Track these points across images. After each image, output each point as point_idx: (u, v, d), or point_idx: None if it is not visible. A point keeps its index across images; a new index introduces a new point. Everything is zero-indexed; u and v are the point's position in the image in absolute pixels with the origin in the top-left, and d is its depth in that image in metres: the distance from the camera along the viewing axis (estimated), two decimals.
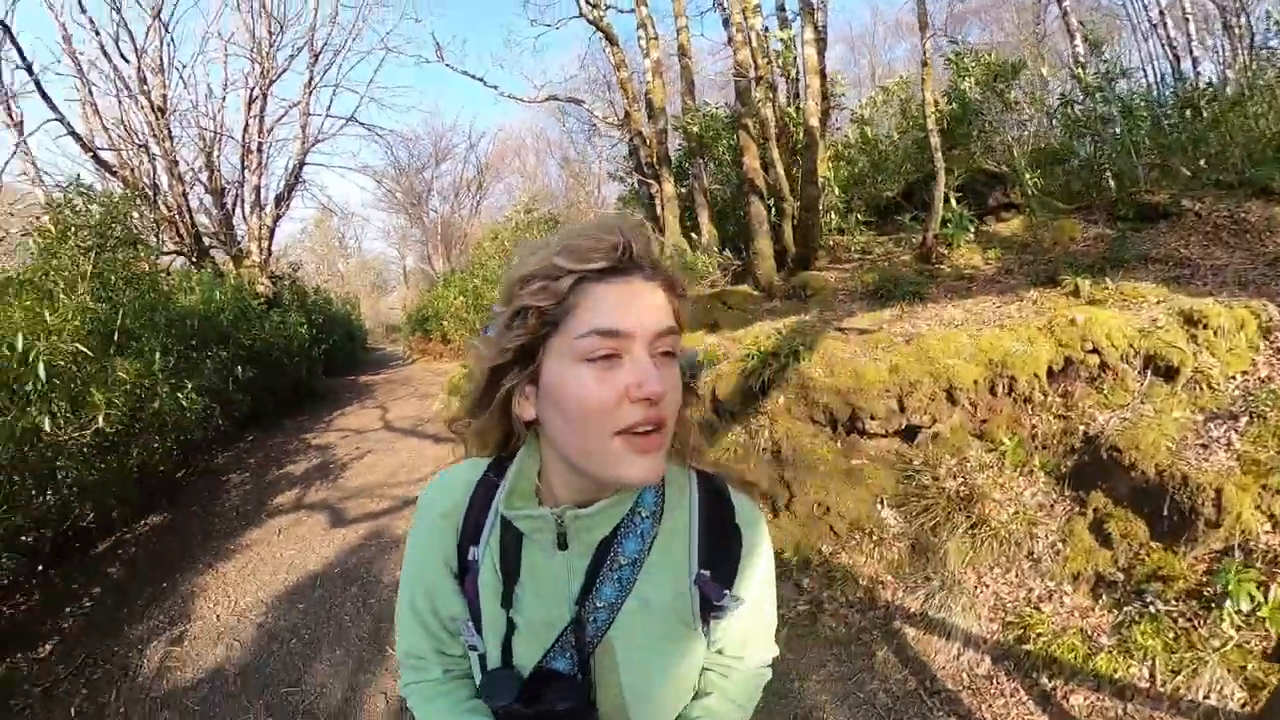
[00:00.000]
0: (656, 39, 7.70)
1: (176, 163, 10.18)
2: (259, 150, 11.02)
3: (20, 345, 3.51)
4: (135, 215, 7.06)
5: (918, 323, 3.79)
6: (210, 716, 2.66)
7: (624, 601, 0.69)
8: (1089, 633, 2.21)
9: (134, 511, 4.56)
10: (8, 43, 8.20)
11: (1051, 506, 2.64)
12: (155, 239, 8.46)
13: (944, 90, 6.23)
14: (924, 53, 4.81)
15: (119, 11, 9.50)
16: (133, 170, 9.49)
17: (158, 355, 4.66)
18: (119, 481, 4.27)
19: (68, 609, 3.58)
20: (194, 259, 9.46)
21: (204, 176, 10.72)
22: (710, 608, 0.71)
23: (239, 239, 10.79)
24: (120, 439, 4.26)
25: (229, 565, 3.93)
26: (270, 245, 11.27)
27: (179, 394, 4.78)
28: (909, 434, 3.16)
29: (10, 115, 8.41)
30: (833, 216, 6.38)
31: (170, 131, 10.15)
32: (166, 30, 9.96)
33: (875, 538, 2.94)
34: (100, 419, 3.81)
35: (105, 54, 9.58)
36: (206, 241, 10.17)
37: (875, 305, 4.37)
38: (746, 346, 3.90)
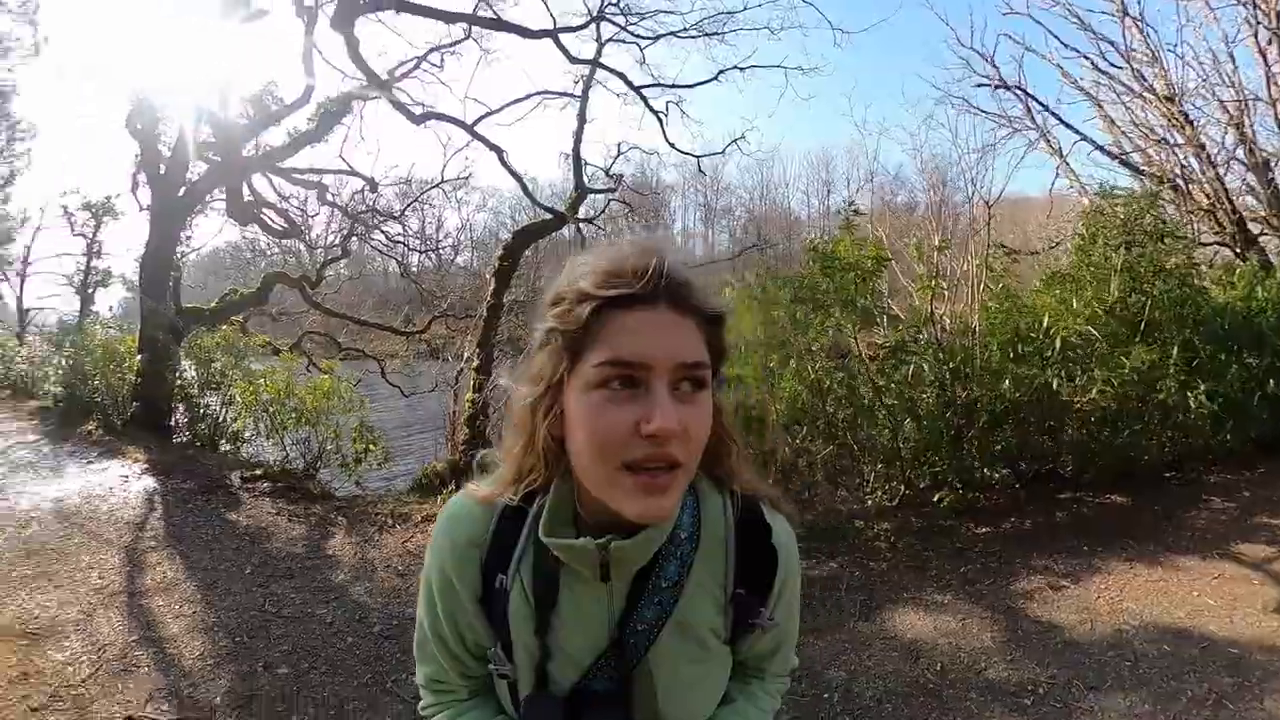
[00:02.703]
0: None
1: (1203, 146, 9.24)
2: None
3: (1045, 322, 4.70)
4: (1164, 208, 6.89)
5: None
6: None
7: (664, 623, 0.70)
8: None
9: (1102, 478, 4.80)
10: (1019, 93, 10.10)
11: None
12: (1191, 230, 8.10)
13: None
14: None
15: (1091, 29, 9.79)
16: (1158, 165, 9.40)
17: (1175, 349, 4.60)
18: (1107, 452, 4.66)
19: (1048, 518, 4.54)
20: (1238, 249, 8.42)
21: (1239, 153, 9.26)
22: (745, 625, 0.74)
23: None
24: (1114, 415, 4.56)
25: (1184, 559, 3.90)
26: None
27: (1188, 392, 4.50)
28: None
29: (1049, 144, 10.22)
30: None
31: (1187, 116, 9.30)
32: (1137, 21, 9.29)
33: None
34: (1094, 391, 4.35)
35: (1098, 69, 9.99)
36: (1255, 229, 8.77)
37: None
38: None
